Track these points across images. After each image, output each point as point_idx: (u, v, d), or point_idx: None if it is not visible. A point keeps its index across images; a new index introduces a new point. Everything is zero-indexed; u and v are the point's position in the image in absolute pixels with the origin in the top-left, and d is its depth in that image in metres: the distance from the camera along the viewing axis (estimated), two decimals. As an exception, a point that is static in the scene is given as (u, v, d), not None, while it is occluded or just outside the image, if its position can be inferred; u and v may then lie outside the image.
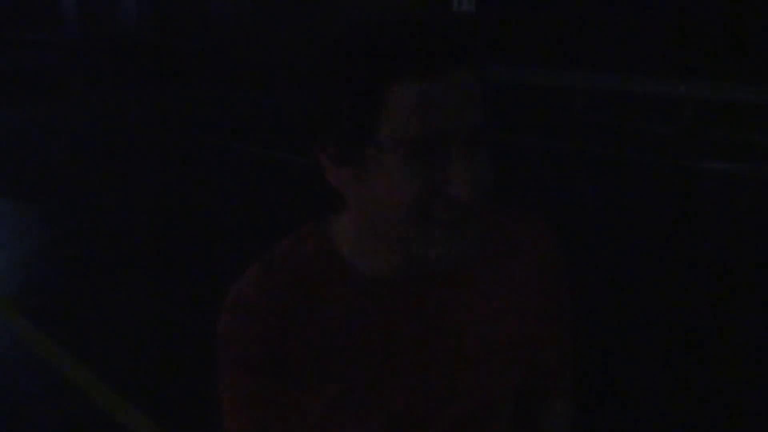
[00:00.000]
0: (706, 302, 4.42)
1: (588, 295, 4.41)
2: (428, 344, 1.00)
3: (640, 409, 3.26)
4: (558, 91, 13.05)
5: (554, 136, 10.02)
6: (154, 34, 25.96)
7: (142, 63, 21.65)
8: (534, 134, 10.21)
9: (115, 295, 4.62)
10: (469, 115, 0.83)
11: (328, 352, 0.97)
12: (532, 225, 1.06)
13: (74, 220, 6.40)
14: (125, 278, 4.91)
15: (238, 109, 12.96)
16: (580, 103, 12.52)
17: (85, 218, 6.44)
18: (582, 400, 3.26)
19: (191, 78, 17.96)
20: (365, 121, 0.83)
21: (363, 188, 0.87)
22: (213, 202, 6.84)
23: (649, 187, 7.28)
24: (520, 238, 1.04)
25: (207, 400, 3.06)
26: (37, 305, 4.50)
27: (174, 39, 24.64)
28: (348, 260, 0.97)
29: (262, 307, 0.96)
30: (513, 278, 1.03)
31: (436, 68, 0.81)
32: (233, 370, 0.98)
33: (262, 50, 20.13)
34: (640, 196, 6.95)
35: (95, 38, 28.59)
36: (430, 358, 1.00)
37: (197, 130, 10.83)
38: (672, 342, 3.91)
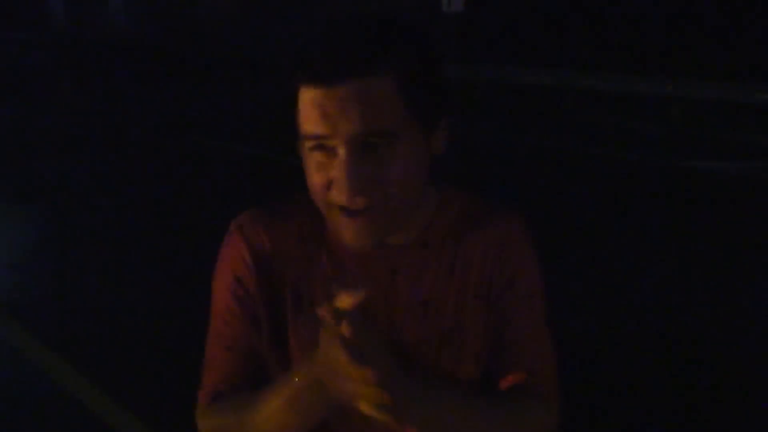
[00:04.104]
0: (695, 300, 4.44)
1: (577, 294, 4.42)
2: (389, 313, 1.07)
3: (633, 411, 3.27)
4: (546, 91, 13.08)
5: (542, 136, 10.04)
6: (143, 33, 25.86)
7: (131, 62, 21.57)
8: (522, 134, 10.23)
9: (109, 297, 4.59)
10: (356, 122, 0.92)
11: (300, 301, 1.08)
12: (501, 216, 1.11)
13: (65, 221, 6.37)
14: (119, 280, 4.89)
15: (227, 108, 12.93)
16: (568, 103, 12.56)
17: (76, 218, 6.41)
18: (576, 401, 3.27)
19: (180, 77, 17.91)
20: (290, 118, 0.97)
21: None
22: (205, 202, 6.83)
23: (637, 186, 7.31)
24: (485, 226, 1.10)
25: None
26: (29, 307, 4.47)
27: (163, 38, 24.55)
28: (332, 228, 1.07)
29: (256, 238, 1.09)
30: (474, 262, 1.09)
31: (327, 79, 0.92)
32: (222, 285, 1.12)
33: (253, 49, 20.09)
34: (629, 195, 6.98)
35: (83, 37, 28.46)
36: (391, 327, 1.06)
37: (188, 129, 10.81)
38: (664, 342, 3.93)
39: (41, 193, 7.27)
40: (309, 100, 0.93)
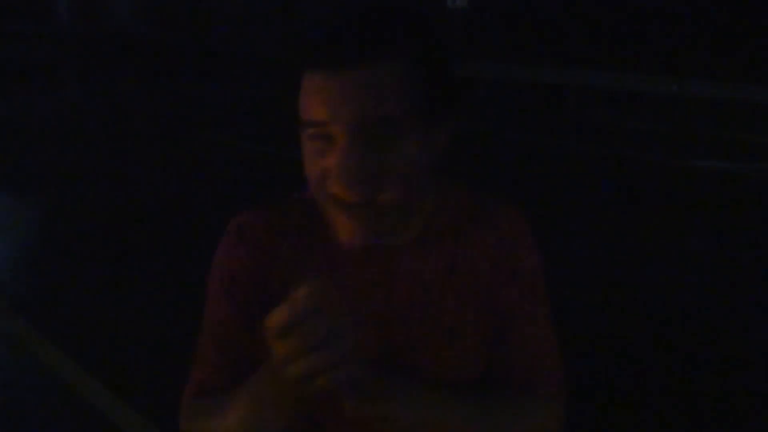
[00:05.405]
0: (694, 300, 4.44)
1: (577, 294, 4.43)
2: (388, 313, 1.04)
3: (633, 411, 3.29)
4: (551, 89, 13.07)
5: (546, 134, 10.05)
6: (147, 28, 25.86)
7: (135, 56, 21.57)
8: (526, 132, 10.23)
9: (111, 292, 4.60)
10: (357, 108, 0.88)
11: None
12: (499, 210, 1.09)
13: (69, 215, 6.38)
14: (121, 275, 4.90)
15: (231, 104, 12.94)
16: (573, 101, 12.56)
17: (79, 213, 6.43)
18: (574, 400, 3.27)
19: (183, 72, 17.91)
20: (294, 106, 0.94)
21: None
22: (207, 197, 6.84)
23: (641, 185, 7.31)
24: (484, 222, 1.07)
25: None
26: (33, 303, 4.48)
27: (166, 32, 24.56)
28: (329, 228, 1.05)
29: (252, 238, 1.08)
30: (474, 260, 1.06)
31: (331, 64, 0.89)
32: (217, 284, 1.10)
33: (256, 45, 20.08)
34: (633, 194, 6.98)
35: (87, 31, 28.46)
36: (390, 327, 1.04)
37: (190, 125, 10.82)
38: (667, 341, 3.94)
39: (43, 187, 7.28)
40: (312, 86, 0.90)
